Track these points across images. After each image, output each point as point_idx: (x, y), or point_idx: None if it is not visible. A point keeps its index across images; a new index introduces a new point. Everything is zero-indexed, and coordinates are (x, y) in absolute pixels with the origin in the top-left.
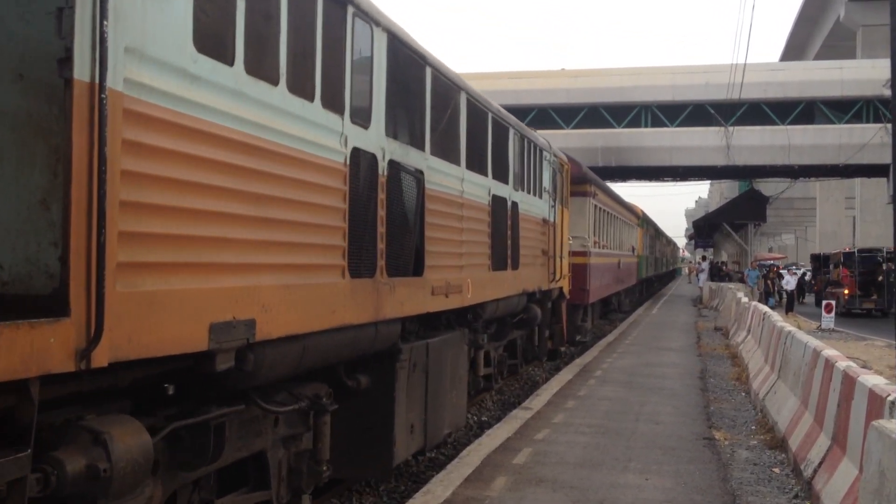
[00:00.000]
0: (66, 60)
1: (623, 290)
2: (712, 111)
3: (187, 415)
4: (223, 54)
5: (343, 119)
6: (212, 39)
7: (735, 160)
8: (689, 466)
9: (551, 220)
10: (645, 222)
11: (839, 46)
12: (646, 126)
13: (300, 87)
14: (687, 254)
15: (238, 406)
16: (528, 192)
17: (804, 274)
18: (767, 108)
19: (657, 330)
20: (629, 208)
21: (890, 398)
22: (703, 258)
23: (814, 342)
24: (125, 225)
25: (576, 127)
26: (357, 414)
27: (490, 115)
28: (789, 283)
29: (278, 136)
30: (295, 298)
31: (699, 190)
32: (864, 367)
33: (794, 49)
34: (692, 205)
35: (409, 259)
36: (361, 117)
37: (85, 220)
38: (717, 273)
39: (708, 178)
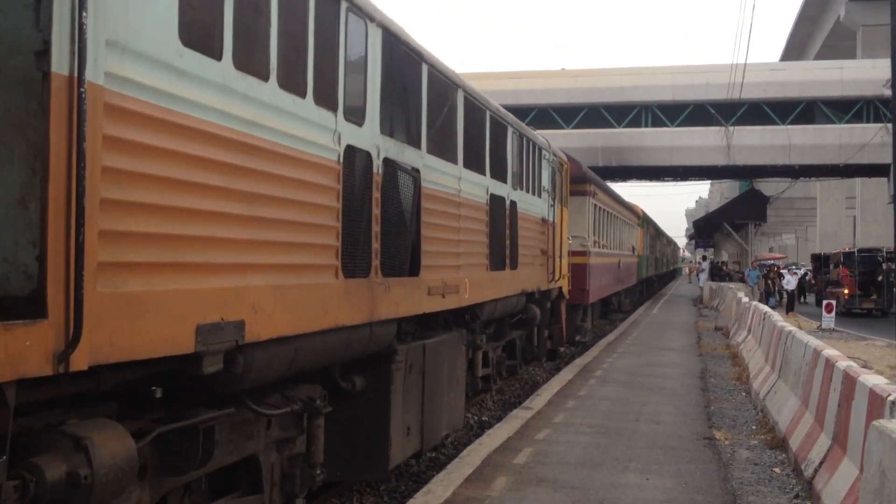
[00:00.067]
0: (44, 53)
1: (623, 290)
2: (713, 111)
3: (175, 418)
4: (210, 48)
5: (336, 116)
6: (199, 33)
7: (735, 160)
8: (689, 466)
9: (550, 219)
10: (645, 222)
11: (839, 46)
12: (646, 126)
13: (291, 82)
14: (687, 254)
15: (228, 409)
16: (527, 192)
17: (805, 274)
18: (768, 107)
19: (657, 330)
20: (629, 208)
21: (890, 398)
22: (704, 258)
23: (814, 342)
24: (106, 223)
25: (576, 127)
26: (352, 416)
27: (488, 113)
28: (790, 282)
29: (268, 133)
30: (286, 299)
31: (699, 190)
32: (864, 366)
33: (795, 49)
34: (692, 205)
35: (404, 259)
36: (355, 114)
37: (63, 218)
38: (717, 273)
39: (708, 178)
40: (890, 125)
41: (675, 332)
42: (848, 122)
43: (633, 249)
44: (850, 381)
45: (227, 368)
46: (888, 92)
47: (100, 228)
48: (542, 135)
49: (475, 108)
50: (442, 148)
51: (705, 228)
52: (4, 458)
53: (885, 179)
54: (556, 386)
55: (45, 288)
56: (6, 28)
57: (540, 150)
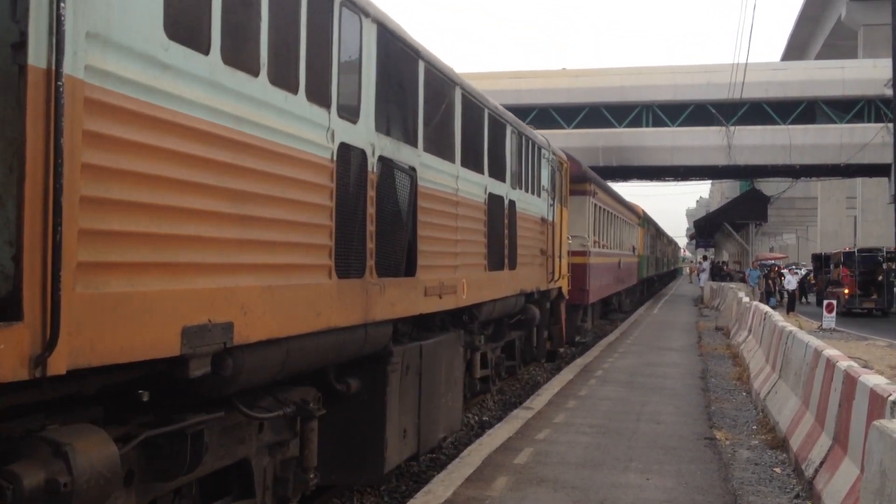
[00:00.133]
0: (21, 45)
1: (623, 289)
2: (713, 111)
3: (163, 422)
4: (197, 42)
5: (329, 113)
6: (185, 26)
7: (736, 160)
8: (690, 466)
9: (550, 219)
10: (646, 222)
11: (840, 46)
12: (647, 126)
13: (283, 78)
14: (688, 253)
15: (217, 413)
16: (526, 191)
17: (807, 274)
18: (769, 107)
19: (658, 330)
20: (630, 208)
21: (891, 398)
22: (704, 258)
23: (815, 342)
24: (87, 222)
25: (577, 127)
26: (348, 418)
27: (486, 111)
28: (790, 282)
29: (258, 130)
30: (277, 300)
31: (700, 190)
32: (865, 366)
33: (796, 48)
34: (693, 204)
35: (400, 259)
36: (350, 112)
37: (40, 216)
38: (718, 273)
39: (709, 178)
40: (891, 125)
41: (675, 332)
42: (849, 121)
43: (634, 249)
44: (850, 381)
45: (216, 371)
46: (889, 92)
47: (80, 227)
48: (542, 134)
49: (473, 106)
50: (439, 146)
51: (706, 228)
52: None
53: (885, 179)
54: (557, 386)
55: (21, 289)
56: None
57: (539, 148)
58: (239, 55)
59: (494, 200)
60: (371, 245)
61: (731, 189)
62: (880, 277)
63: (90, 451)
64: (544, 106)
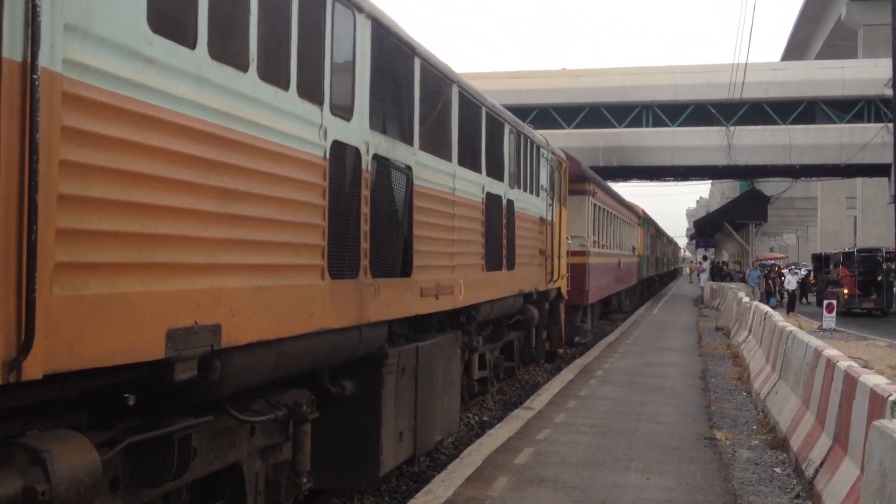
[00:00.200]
0: None
1: (623, 290)
2: (713, 111)
3: (149, 427)
4: (183, 36)
5: (322, 110)
6: (170, 19)
7: (736, 160)
8: (690, 466)
9: (549, 218)
10: (646, 222)
11: (840, 46)
12: (647, 126)
13: (273, 74)
14: (688, 253)
15: (206, 417)
16: (525, 190)
17: (808, 274)
18: (769, 107)
19: (658, 330)
20: (630, 207)
21: (891, 398)
22: (704, 258)
23: (815, 342)
24: (65, 221)
25: (577, 127)
26: (342, 421)
27: (484, 109)
28: (790, 282)
29: (247, 127)
30: (267, 301)
31: (700, 190)
32: (865, 366)
33: (796, 48)
34: (693, 204)
35: (395, 259)
36: (343, 109)
37: (14, 215)
38: (718, 273)
39: (709, 178)
40: (891, 125)
41: (675, 332)
42: (849, 121)
43: (634, 249)
44: (850, 381)
45: (204, 374)
46: (889, 92)
47: (57, 226)
48: (542, 134)
49: (470, 104)
50: (436, 145)
51: (706, 228)
52: None
53: (885, 179)
54: (557, 386)
55: None
56: None
57: (538, 148)
58: (227, 50)
59: (492, 200)
60: (365, 245)
61: (731, 189)
62: (880, 277)
63: (70, 457)
64: (544, 106)
